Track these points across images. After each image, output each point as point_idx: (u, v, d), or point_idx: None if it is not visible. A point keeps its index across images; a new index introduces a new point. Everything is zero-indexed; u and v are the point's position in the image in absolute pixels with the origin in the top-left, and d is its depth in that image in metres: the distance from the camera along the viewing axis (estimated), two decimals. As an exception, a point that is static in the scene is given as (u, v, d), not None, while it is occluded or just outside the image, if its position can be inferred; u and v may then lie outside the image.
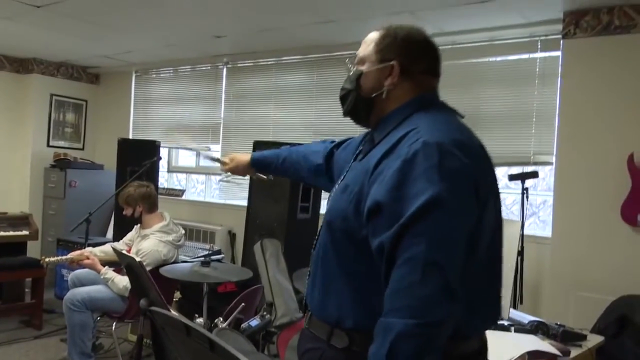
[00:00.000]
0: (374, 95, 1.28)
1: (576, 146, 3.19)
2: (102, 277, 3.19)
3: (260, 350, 2.59)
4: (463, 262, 1.08)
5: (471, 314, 1.15)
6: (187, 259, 3.86)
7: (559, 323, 2.34)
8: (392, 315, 1.03)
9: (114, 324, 3.27)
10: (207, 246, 4.63)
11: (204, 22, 3.92)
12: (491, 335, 2.10)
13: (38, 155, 5.63)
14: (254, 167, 1.82)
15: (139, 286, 2.37)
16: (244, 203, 4.34)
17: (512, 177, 3.31)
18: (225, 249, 4.67)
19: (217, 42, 4.41)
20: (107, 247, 3.47)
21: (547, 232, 3.46)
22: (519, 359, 1.98)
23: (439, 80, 1.32)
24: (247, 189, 4.24)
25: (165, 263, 3.14)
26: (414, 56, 1.27)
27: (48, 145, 5.73)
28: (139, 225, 3.44)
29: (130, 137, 5.75)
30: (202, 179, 5.43)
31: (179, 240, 3.37)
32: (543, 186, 3.69)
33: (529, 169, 3.41)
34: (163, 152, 5.17)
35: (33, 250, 4.95)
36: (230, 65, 5.06)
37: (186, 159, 5.63)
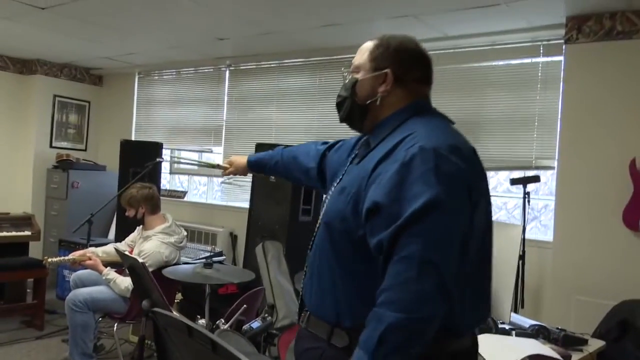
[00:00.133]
0: (368, 102, 1.33)
1: (578, 151, 3.19)
2: (104, 277, 3.20)
3: (261, 352, 2.60)
4: (457, 262, 1.13)
5: (463, 312, 1.20)
6: (189, 260, 3.87)
7: (560, 327, 2.34)
8: (385, 307, 1.09)
9: (116, 324, 3.28)
10: (209, 248, 4.63)
11: (207, 25, 3.94)
12: (492, 339, 2.11)
13: (41, 156, 5.64)
14: (250, 168, 1.90)
15: (141, 287, 2.38)
16: (246, 205, 4.35)
17: (513, 182, 3.31)
18: (226, 251, 4.67)
19: (220, 44, 4.42)
20: (109, 248, 3.48)
21: (548, 236, 3.46)
22: (520, 363, 1.98)
23: (431, 87, 1.38)
24: (249, 191, 4.26)
25: (167, 264, 3.15)
26: (406, 65, 1.32)
27: (51, 146, 5.75)
28: (141, 226, 3.45)
29: (133, 138, 5.77)
30: (204, 181, 5.44)
31: (181, 242, 3.38)
32: (545, 190, 3.69)
33: (530, 173, 3.41)
34: (165, 153, 5.18)
35: (35, 250, 4.96)
36: (232, 68, 5.08)
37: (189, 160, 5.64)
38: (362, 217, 1.19)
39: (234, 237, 4.79)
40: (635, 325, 2.60)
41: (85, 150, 6.05)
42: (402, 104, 1.32)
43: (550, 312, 3.22)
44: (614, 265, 3.02)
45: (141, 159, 4.26)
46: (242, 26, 3.90)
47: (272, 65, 4.78)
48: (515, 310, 3.01)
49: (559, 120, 3.32)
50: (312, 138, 4.38)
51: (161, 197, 3.58)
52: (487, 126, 3.71)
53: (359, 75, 1.36)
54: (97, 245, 3.61)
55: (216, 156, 5.18)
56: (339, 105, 1.41)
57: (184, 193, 5.37)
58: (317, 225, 1.38)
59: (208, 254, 4.23)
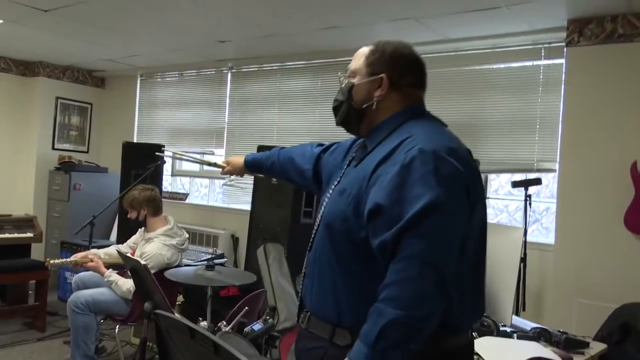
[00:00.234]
0: (364, 106, 1.36)
1: (579, 153, 3.19)
2: (105, 279, 3.20)
3: (262, 354, 2.60)
4: (456, 262, 1.18)
5: (461, 310, 1.24)
6: (190, 262, 3.87)
7: (561, 330, 2.34)
8: (386, 303, 1.13)
9: (117, 326, 3.28)
10: (210, 250, 4.64)
11: (209, 27, 3.95)
12: (494, 342, 2.11)
13: (43, 158, 5.66)
14: (247, 168, 1.93)
15: (143, 289, 2.38)
16: (248, 207, 4.36)
17: (515, 184, 3.32)
18: (228, 253, 4.68)
19: (222, 46, 4.44)
20: (111, 250, 3.49)
21: (550, 239, 3.46)
22: (521, 365, 1.98)
23: (425, 91, 1.41)
24: (251, 193, 4.26)
25: (168, 267, 3.16)
26: (401, 69, 1.36)
27: (53, 148, 5.76)
28: (143, 228, 3.46)
29: (135, 140, 5.78)
30: (206, 183, 5.44)
31: (183, 244, 3.38)
32: (546, 193, 3.70)
33: (532, 176, 3.42)
34: (165, 151, 5.19)
35: (37, 252, 4.97)
36: (234, 70, 5.09)
37: (190, 163, 5.64)
38: (363, 218, 1.22)
39: (235, 240, 4.80)
40: (637, 328, 2.59)
41: (87, 152, 6.06)
42: (397, 107, 1.35)
43: (552, 314, 3.22)
44: (616, 268, 3.02)
45: (143, 161, 4.27)
46: (243, 29, 3.92)
47: (274, 67, 4.79)
48: (517, 313, 3.01)
49: (560, 122, 3.32)
50: (314, 140, 4.34)
51: (163, 199, 3.58)
52: (488, 129, 3.72)
53: (355, 80, 1.39)
54: (99, 247, 3.61)
55: (218, 158, 5.18)
56: (335, 109, 1.43)
57: (186, 195, 5.38)
58: (316, 227, 1.40)
59: (209, 256, 4.24)
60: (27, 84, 5.73)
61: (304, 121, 4.60)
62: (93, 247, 3.66)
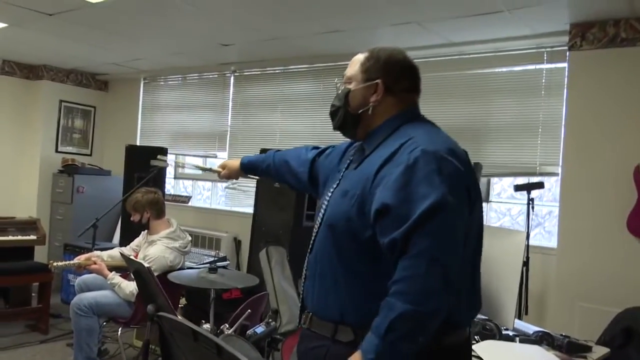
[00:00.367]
0: (361, 111, 1.41)
1: (582, 157, 3.19)
2: (108, 282, 3.21)
3: (265, 357, 2.60)
4: (461, 259, 1.23)
5: (462, 305, 1.30)
6: (193, 265, 3.88)
7: (564, 334, 2.34)
8: (396, 297, 1.18)
9: (120, 329, 3.29)
10: (213, 253, 4.65)
11: (212, 31, 3.97)
12: (496, 345, 2.11)
13: (46, 161, 5.68)
14: (243, 170, 1.97)
15: (146, 292, 2.39)
16: (250, 210, 4.37)
17: (517, 188, 3.31)
18: (230, 256, 4.68)
19: (225, 50, 4.46)
20: (114, 252, 3.49)
21: (552, 242, 3.45)
22: (524, 369, 1.98)
23: (419, 95, 1.46)
24: (253, 196, 4.27)
25: (171, 269, 3.16)
26: (396, 75, 1.40)
27: (56, 151, 5.79)
28: (146, 231, 3.47)
29: (138, 143, 5.80)
30: (209, 186, 5.46)
31: (186, 247, 3.39)
32: (549, 197, 3.69)
33: (534, 179, 3.42)
34: (170, 158, 5.21)
35: (40, 255, 4.99)
36: (237, 74, 5.11)
37: (192, 165, 5.66)
38: (369, 218, 1.26)
39: (237, 242, 4.80)
40: (639, 332, 2.59)
41: (90, 155, 6.08)
42: (393, 112, 1.40)
43: (554, 318, 3.21)
44: (618, 272, 3.01)
45: (146, 164, 4.27)
46: (246, 32, 3.94)
47: (277, 71, 4.81)
48: (519, 317, 3.01)
49: (563, 126, 3.33)
50: (316, 143, 4.35)
51: (165, 202, 3.59)
52: (491, 132, 3.72)
53: (351, 86, 1.43)
54: (102, 250, 3.62)
55: (220, 161, 5.19)
56: (332, 115, 1.48)
57: (188, 198, 5.40)
58: (316, 229, 1.43)
59: (212, 259, 4.25)
60: (30, 87, 5.76)
61: (307, 124, 4.61)
62: (96, 250, 3.66)
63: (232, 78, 5.15)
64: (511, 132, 3.65)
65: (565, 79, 3.33)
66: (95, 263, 3.24)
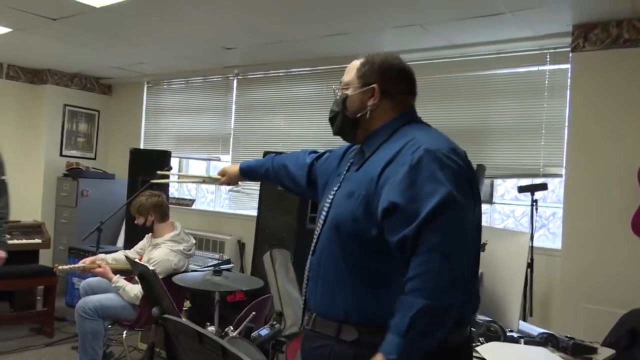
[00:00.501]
0: (359, 115, 1.45)
1: (586, 158, 3.19)
2: (113, 285, 3.22)
3: (269, 359, 2.61)
4: (469, 253, 1.28)
5: (466, 303, 1.33)
6: (197, 268, 3.88)
7: (569, 336, 2.33)
8: (413, 294, 1.20)
9: (125, 332, 3.29)
10: (217, 256, 4.65)
11: (215, 34, 3.99)
12: (501, 347, 2.10)
13: (51, 165, 5.71)
14: (243, 175, 1.98)
15: (151, 295, 2.40)
16: (254, 213, 4.37)
17: (521, 189, 3.31)
18: (234, 259, 4.69)
19: (228, 53, 4.47)
20: (119, 255, 3.50)
21: (556, 244, 3.45)
22: (529, 371, 1.98)
23: (415, 97, 1.49)
24: (257, 199, 4.28)
25: (175, 272, 3.17)
26: (391, 79, 1.44)
27: (61, 155, 5.81)
28: (150, 234, 3.48)
29: (142, 147, 5.82)
30: (212, 189, 5.47)
31: (190, 250, 3.40)
32: (553, 198, 3.69)
33: (538, 181, 3.41)
34: (173, 162, 5.23)
35: (45, 258, 5.01)
36: (240, 77, 5.12)
37: (197, 169, 5.68)
38: (375, 217, 1.29)
39: (241, 245, 4.81)
40: (645, 333, 2.58)
41: (94, 158, 6.11)
42: (391, 115, 1.44)
43: (559, 320, 3.21)
44: (623, 273, 3.00)
45: (150, 168, 4.30)
46: (249, 36, 3.95)
47: (280, 74, 4.82)
48: (524, 318, 3.00)
49: (566, 128, 3.32)
50: (319, 146, 4.37)
51: (169, 205, 3.60)
52: (494, 134, 3.72)
53: (348, 92, 1.47)
54: (106, 253, 3.63)
55: (224, 164, 5.20)
56: (331, 120, 1.52)
57: (192, 201, 5.41)
58: (318, 231, 1.45)
59: (216, 262, 4.25)
60: (35, 92, 5.79)
61: (310, 127, 4.62)
62: (100, 253, 3.68)
63: (235, 81, 5.16)
64: (514, 134, 3.64)
65: (568, 80, 3.33)
66: (99, 266, 3.25)
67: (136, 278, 3.02)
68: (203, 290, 2.89)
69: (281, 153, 1.93)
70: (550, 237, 3.69)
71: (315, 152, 1.79)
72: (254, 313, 2.70)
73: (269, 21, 3.57)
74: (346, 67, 1.53)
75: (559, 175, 3.44)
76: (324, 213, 1.45)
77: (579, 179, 3.21)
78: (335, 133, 1.52)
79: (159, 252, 3.26)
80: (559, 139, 3.42)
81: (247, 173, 1.96)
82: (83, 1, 3.33)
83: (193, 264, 4.04)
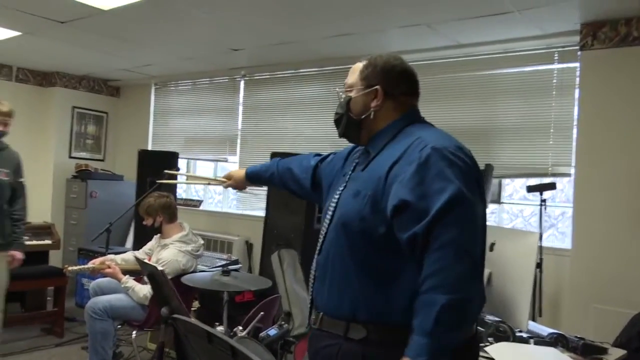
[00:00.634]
0: (363, 116, 1.47)
1: (595, 157, 3.17)
2: (122, 286, 3.24)
3: (278, 359, 2.61)
4: (481, 247, 1.29)
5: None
6: (205, 268, 3.90)
7: (579, 336, 2.32)
8: (433, 291, 1.21)
9: (134, 332, 3.31)
10: (225, 256, 4.66)
11: (222, 36, 4.00)
12: (510, 348, 2.10)
13: (60, 167, 5.75)
14: (248, 180, 2.01)
15: (161, 295, 2.41)
16: (261, 214, 4.38)
17: (530, 189, 3.30)
18: (242, 260, 4.70)
19: (235, 55, 4.49)
20: (128, 255, 3.53)
21: (566, 244, 3.43)
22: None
23: (418, 98, 1.51)
24: (265, 200, 4.29)
25: (184, 272, 3.19)
26: (394, 80, 1.46)
27: (70, 157, 5.86)
28: (159, 235, 3.50)
29: (150, 148, 5.85)
30: (220, 190, 5.48)
31: (198, 250, 3.41)
32: (562, 198, 3.67)
33: (546, 180, 3.39)
34: (181, 163, 5.25)
35: (55, 259, 5.05)
36: (247, 78, 5.14)
37: (204, 170, 5.70)
38: (384, 215, 1.31)
39: (249, 246, 4.82)
40: (656, 334, 2.55)
41: (103, 160, 6.15)
42: (394, 115, 1.46)
43: (569, 320, 3.19)
44: (634, 273, 2.98)
45: (158, 169, 4.31)
46: (256, 37, 3.96)
47: (286, 74, 4.83)
48: (533, 319, 2.98)
49: (574, 126, 3.30)
50: (326, 146, 4.40)
51: (177, 206, 3.62)
52: (502, 133, 3.71)
53: (352, 94, 1.49)
54: (115, 254, 3.66)
55: (231, 165, 5.23)
56: (336, 122, 1.54)
57: (200, 202, 5.43)
58: (325, 231, 1.47)
59: (224, 263, 4.27)
60: (44, 94, 5.84)
61: (317, 127, 4.62)
62: (110, 254, 3.70)
63: (242, 82, 5.18)
64: (522, 133, 3.63)
65: (577, 79, 3.31)
66: (109, 267, 3.27)
67: (145, 278, 3.04)
68: (212, 290, 2.90)
69: (288, 155, 1.95)
70: (559, 237, 3.66)
71: (319, 155, 1.81)
72: (262, 313, 2.71)
73: (275, 22, 3.58)
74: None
75: (568, 175, 3.42)
76: (329, 212, 1.47)
77: (588, 178, 3.18)
78: (341, 135, 1.54)
79: (167, 252, 3.27)
80: (568, 138, 3.40)
81: (252, 178, 1.99)
82: (91, 4, 3.35)
83: (201, 264, 4.05)
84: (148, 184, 4.40)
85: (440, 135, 1.38)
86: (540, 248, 3.07)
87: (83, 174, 5.59)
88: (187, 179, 5.44)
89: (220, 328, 2.65)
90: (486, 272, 2.32)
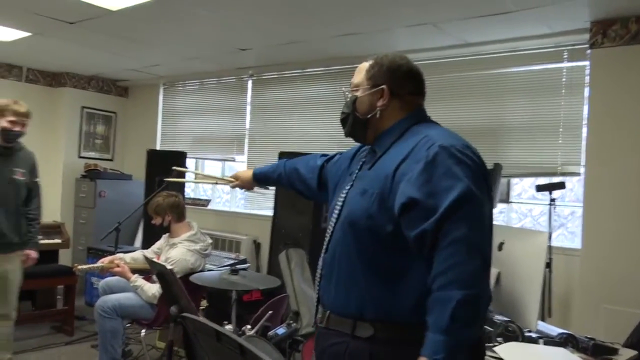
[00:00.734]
0: (369, 116, 1.47)
1: (605, 156, 3.14)
2: (131, 284, 3.26)
3: (286, 358, 2.62)
4: (490, 244, 1.29)
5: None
6: (213, 268, 3.91)
7: (589, 336, 2.30)
8: (446, 288, 1.20)
9: (143, 331, 3.33)
10: (233, 255, 4.68)
11: (229, 36, 4.01)
12: (520, 348, 2.08)
13: (70, 166, 5.80)
14: (256, 181, 2.02)
15: (169, 294, 2.42)
16: (269, 213, 4.39)
17: (539, 188, 3.27)
18: (250, 259, 4.71)
19: (242, 54, 4.50)
20: (137, 254, 3.55)
21: (575, 243, 3.40)
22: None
23: (424, 97, 1.52)
24: (273, 199, 4.29)
25: (192, 272, 3.20)
26: (400, 80, 1.46)
27: (79, 156, 5.90)
28: (167, 234, 3.51)
29: (158, 148, 5.88)
30: (228, 189, 5.50)
31: (206, 250, 3.42)
32: (571, 197, 3.64)
33: (556, 179, 3.37)
34: (189, 162, 5.27)
35: (65, 258, 5.09)
36: (255, 77, 5.15)
37: (212, 169, 5.72)
38: (391, 213, 1.31)
39: (257, 245, 4.83)
40: (667, 334, 2.53)
41: (112, 160, 6.19)
42: (401, 115, 1.46)
43: (579, 320, 3.16)
44: (644, 273, 2.95)
45: (166, 168, 4.32)
46: (263, 37, 3.97)
47: (294, 74, 4.83)
48: (542, 319, 2.96)
49: (584, 125, 3.28)
50: (334, 145, 4.40)
51: (186, 206, 3.63)
52: (511, 132, 3.68)
53: (358, 93, 1.49)
54: (124, 253, 3.68)
55: (239, 165, 5.24)
56: (343, 122, 1.55)
57: (208, 201, 5.45)
58: (331, 229, 1.47)
59: (232, 262, 4.28)
60: (53, 94, 5.88)
61: (324, 127, 4.62)
62: (118, 253, 3.72)
63: (249, 82, 5.19)
64: (531, 132, 3.60)
65: (587, 77, 3.28)
66: (118, 266, 3.29)
67: (154, 277, 3.05)
68: (220, 289, 2.91)
69: (296, 154, 1.95)
70: (569, 236, 3.64)
71: (325, 155, 1.82)
72: (270, 312, 2.71)
73: (281, 22, 3.59)
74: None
75: (577, 174, 3.39)
76: (336, 211, 1.48)
77: (598, 177, 3.16)
78: (347, 134, 1.55)
79: (176, 251, 3.29)
80: (577, 136, 3.37)
81: (260, 179, 2.00)
82: (99, 5, 3.37)
83: (209, 263, 4.07)
84: (156, 183, 4.42)
85: (448, 134, 1.38)
86: (550, 248, 3.05)
87: (92, 174, 5.63)
88: (195, 177, 5.46)
89: (228, 327, 2.66)
90: (495, 271, 2.31)
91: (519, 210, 3.88)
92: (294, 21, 3.56)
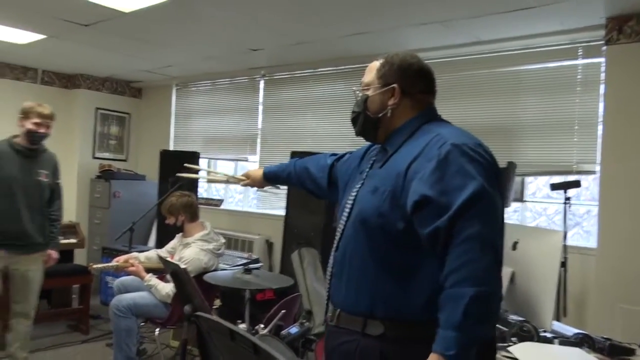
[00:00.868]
0: (380, 115, 1.48)
1: (621, 154, 3.10)
2: (145, 284, 3.29)
3: (299, 357, 2.62)
4: (502, 241, 1.29)
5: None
6: (227, 267, 3.93)
7: (605, 336, 2.27)
8: (459, 285, 1.20)
9: (157, 329, 3.36)
10: (246, 255, 4.70)
11: (241, 36, 4.03)
12: (535, 348, 2.07)
13: (84, 167, 5.87)
14: (266, 180, 2.03)
15: (183, 293, 2.44)
16: (282, 213, 4.40)
17: (554, 187, 3.24)
18: (263, 258, 4.72)
19: (254, 55, 4.51)
20: (151, 253, 3.57)
21: (591, 242, 3.36)
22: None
23: (435, 96, 1.52)
24: (285, 199, 4.30)
25: (206, 271, 3.22)
26: (410, 78, 1.46)
27: (93, 157, 5.97)
28: (181, 234, 3.54)
29: (171, 148, 5.93)
30: (240, 189, 5.52)
31: (219, 249, 3.44)
32: (587, 196, 3.60)
33: (571, 178, 3.33)
34: (202, 162, 5.30)
35: (80, 257, 5.15)
36: (267, 78, 5.16)
37: (225, 169, 5.74)
38: (403, 211, 1.32)
39: (269, 245, 4.84)
40: (686, 334, 2.48)
41: (126, 160, 6.25)
42: (412, 113, 1.46)
43: (595, 320, 3.12)
44: (662, 273, 2.91)
45: (180, 169, 4.35)
46: (275, 37, 3.98)
47: (306, 74, 4.84)
48: (558, 319, 2.93)
49: (600, 123, 3.24)
50: (346, 144, 4.39)
51: (199, 205, 3.65)
52: (525, 130, 3.65)
53: (369, 92, 1.50)
54: (138, 252, 3.71)
55: (252, 164, 5.26)
56: (353, 121, 1.55)
57: (221, 201, 5.47)
58: (342, 228, 1.47)
59: (245, 261, 4.30)
60: (68, 96, 5.95)
61: (336, 126, 4.62)
62: (133, 252, 3.75)
63: (261, 82, 5.21)
64: (546, 130, 3.56)
65: (602, 74, 3.24)
66: (132, 265, 3.32)
67: (168, 277, 3.08)
68: (233, 288, 2.92)
69: (308, 153, 1.95)
70: (584, 235, 3.59)
71: (335, 154, 1.82)
72: (283, 311, 2.72)
73: (292, 22, 3.59)
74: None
75: (593, 172, 3.35)
76: (347, 210, 1.48)
77: (614, 176, 3.12)
78: (358, 133, 1.56)
79: (189, 251, 3.31)
80: (592, 134, 3.33)
81: (270, 178, 2.01)
82: (113, 7, 3.41)
83: (222, 263, 4.09)
84: (170, 183, 4.45)
85: (459, 132, 1.38)
86: (565, 247, 3.01)
87: (106, 174, 5.69)
88: (208, 175, 5.48)
89: (242, 326, 2.68)
90: (509, 271, 2.29)
91: (533, 209, 3.84)
92: (304, 21, 3.56)
